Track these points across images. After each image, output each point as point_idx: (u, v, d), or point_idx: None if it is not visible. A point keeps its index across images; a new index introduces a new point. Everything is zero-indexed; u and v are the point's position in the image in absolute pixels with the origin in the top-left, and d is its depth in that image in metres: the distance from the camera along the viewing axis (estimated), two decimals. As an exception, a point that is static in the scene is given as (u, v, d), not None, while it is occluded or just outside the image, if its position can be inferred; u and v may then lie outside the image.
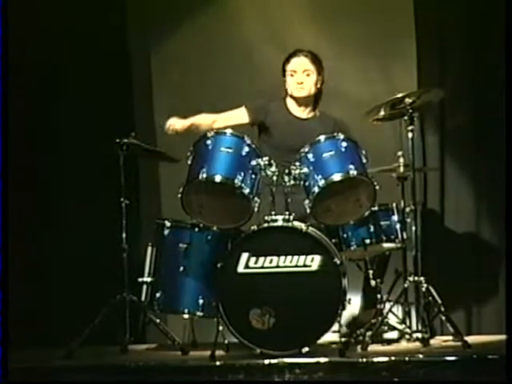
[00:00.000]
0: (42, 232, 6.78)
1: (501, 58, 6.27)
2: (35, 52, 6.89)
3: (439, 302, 5.78)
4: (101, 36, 7.00)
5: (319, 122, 6.10)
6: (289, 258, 5.43)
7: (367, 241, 5.97)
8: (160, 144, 6.52)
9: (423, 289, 5.79)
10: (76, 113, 6.86)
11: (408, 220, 5.99)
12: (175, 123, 5.94)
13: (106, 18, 7.03)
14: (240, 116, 6.11)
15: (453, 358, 5.07)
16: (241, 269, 5.43)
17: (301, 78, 6.09)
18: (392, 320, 6.06)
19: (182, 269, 5.85)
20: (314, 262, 5.42)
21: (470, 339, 5.74)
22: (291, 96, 6.13)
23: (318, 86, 6.11)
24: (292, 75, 6.10)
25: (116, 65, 7.02)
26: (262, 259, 5.43)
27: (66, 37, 6.95)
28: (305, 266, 5.42)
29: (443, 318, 5.84)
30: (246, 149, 5.56)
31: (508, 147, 5.87)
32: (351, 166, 5.51)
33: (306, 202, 5.55)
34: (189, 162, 5.59)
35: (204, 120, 6.02)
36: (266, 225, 5.50)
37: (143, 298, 5.91)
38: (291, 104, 6.14)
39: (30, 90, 6.88)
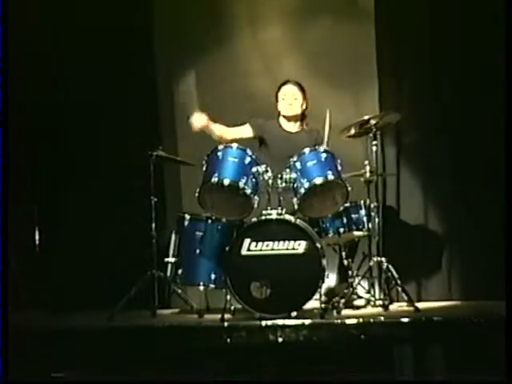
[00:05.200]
0: (93, 226, 6.70)
1: (448, 88, 6.56)
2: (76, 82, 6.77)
3: (396, 276, 5.84)
4: (132, 64, 6.83)
5: (306, 135, 6.12)
6: (281, 242, 5.48)
7: (341, 230, 6.00)
8: (181, 153, 6.56)
9: (384, 266, 5.87)
10: (115, 132, 6.78)
11: (372, 214, 6.01)
12: (197, 120, 5.91)
13: (135, 43, 6.86)
14: (246, 131, 6.15)
15: (407, 320, 5.14)
16: (244, 251, 5.48)
17: (290, 100, 6.12)
18: (360, 291, 6.11)
19: (198, 252, 5.89)
20: (300, 246, 5.48)
21: (420, 305, 5.84)
22: (283, 115, 6.15)
23: (304, 107, 6.15)
24: (284, 99, 6.12)
25: (146, 91, 6.88)
26: (260, 244, 5.48)
27: (98, 68, 6.78)
28: (293, 249, 5.48)
29: (399, 288, 5.91)
30: (248, 159, 5.63)
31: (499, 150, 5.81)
32: (329, 172, 5.56)
33: (294, 200, 5.62)
34: (203, 169, 5.64)
35: (217, 129, 6.04)
36: (263, 217, 5.57)
37: (168, 274, 5.95)
38: (283, 122, 6.17)
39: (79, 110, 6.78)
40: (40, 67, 6.78)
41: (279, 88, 6.18)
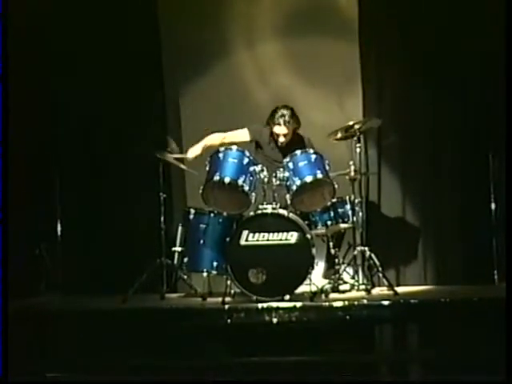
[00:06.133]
0: (108, 220, 6.75)
1: (424, 96, 6.70)
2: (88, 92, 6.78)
3: (378, 264, 5.98)
4: (141, 79, 6.82)
5: (296, 140, 6.16)
6: (275, 234, 5.60)
7: (329, 222, 6.11)
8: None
9: (367, 255, 6.00)
10: (129, 135, 6.73)
11: (356, 208, 6.09)
12: (191, 154, 6.04)
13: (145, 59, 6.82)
14: (244, 135, 6.23)
15: (387, 303, 5.30)
16: (243, 242, 5.61)
17: (284, 130, 6.05)
18: (346, 276, 6.16)
19: (202, 242, 5.99)
20: (292, 237, 5.60)
21: (399, 289, 5.97)
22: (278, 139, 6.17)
23: (294, 125, 6.10)
24: (279, 124, 6.04)
25: (156, 101, 6.87)
26: (257, 235, 5.60)
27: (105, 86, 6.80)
28: (286, 239, 5.59)
29: (380, 275, 6.06)
30: (246, 159, 5.77)
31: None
32: (318, 171, 5.71)
33: (287, 196, 5.76)
34: (206, 168, 5.78)
35: (215, 140, 6.14)
36: (259, 211, 5.71)
37: (175, 262, 6.04)
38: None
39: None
40: (55, 80, 6.80)
41: (275, 111, 6.08)
